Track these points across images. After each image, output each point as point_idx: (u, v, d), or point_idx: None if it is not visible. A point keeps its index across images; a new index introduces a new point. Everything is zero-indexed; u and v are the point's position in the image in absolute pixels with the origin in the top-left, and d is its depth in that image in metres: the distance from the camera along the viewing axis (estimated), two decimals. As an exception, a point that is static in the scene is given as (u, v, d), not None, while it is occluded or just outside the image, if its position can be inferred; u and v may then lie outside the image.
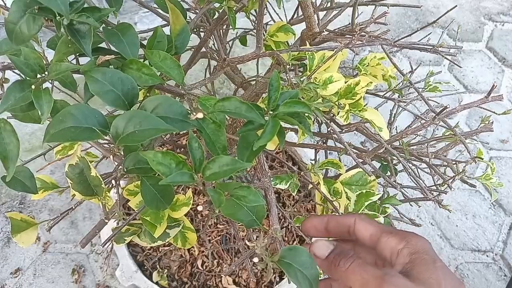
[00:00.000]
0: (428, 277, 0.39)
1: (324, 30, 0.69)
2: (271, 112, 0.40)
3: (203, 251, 1.21)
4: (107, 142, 0.78)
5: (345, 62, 1.81)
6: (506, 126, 1.77)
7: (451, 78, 1.89)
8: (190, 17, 0.67)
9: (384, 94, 0.85)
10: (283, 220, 1.22)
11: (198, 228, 1.15)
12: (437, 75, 0.91)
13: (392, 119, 0.90)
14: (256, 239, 0.42)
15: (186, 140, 0.38)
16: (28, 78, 0.39)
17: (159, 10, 0.70)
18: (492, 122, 0.67)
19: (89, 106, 0.37)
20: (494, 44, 2.00)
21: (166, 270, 1.19)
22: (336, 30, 0.72)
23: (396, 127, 0.92)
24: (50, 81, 0.41)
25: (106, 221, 0.57)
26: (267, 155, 1.03)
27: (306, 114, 0.43)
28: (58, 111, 0.37)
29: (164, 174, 0.35)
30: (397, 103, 0.84)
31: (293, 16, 0.84)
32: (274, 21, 0.79)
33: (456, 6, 0.73)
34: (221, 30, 0.83)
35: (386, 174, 0.75)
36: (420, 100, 0.72)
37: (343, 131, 0.72)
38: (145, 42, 0.52)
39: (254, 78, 0.74)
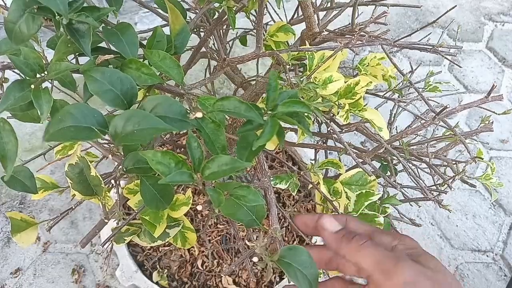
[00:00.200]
0: (434, 264, 0.40)
1: (324, 30, 0.69)
2: (270, 112, 0.39)
3: (203, 251, 1.21)
4: (107, 142, 0.78)
5: (345, 62, 1.81)
6: (506, 126, 1.77)
7: (451, 78, 1.89)
8: (190, 17, 0.67)
9: (384, 94, 0.85)
10: (283, 220, 1.22)
11: (198, 228, 1.15)
12: (437, 75, 0.91)
13: (392, 119, 0.90)
14: (256, 239, 0.42)
15: (186, 141, 0.38)
16: (27, 78, 0.39)
17: (159, 10, 0.70)
18: (492, 122, 0.67)
19: (88, 106, 0.37)
20: (494, 44, 2.00)
21: (166, 270, 1.19)
22: (336, 30, 0.72)
23: (396, 127, 0.92)
24: (49, 81, 0.41)
25: (106, 221, 0.57)
26: (267, 155, 1.03)
27: (306, 114, 0.43)
28: (58, 111, 0.37)
29: (163, 174, 0.35)
30: (397, 103, 0.84)
31: (293, 16, 0.84)
32: (274, 21, 0.79)
33: (456, 6, 0.73)
34: (221, 30, 0.83)
35: (386, 174, 0.75)
36: (420, 100, 0.72)
37: (343, 131, 0.72)
38: (145, 42, 0.52)
39: (254, 78, 0.74)
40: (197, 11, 0.70)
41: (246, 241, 0.74)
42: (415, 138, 0.84)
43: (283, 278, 1.14)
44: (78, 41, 0.39)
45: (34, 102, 0.37)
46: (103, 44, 0.49)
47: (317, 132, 0.88)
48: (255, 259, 0.43)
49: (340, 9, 0.75)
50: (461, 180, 0.72)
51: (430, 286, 0.38)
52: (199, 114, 0.40)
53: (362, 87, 0.59)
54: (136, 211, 0.62)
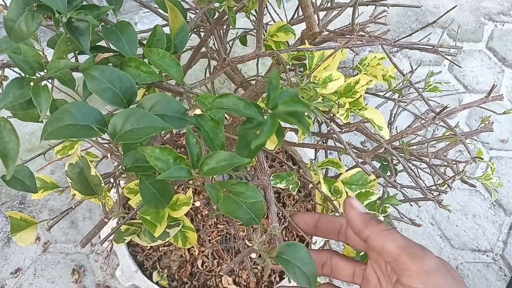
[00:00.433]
0: (448, 263, 0.42)
1: (324, 30, 0.69)
2: (270, 111, 0.39)
3: (203, 251, 1.21)
4: (106, 142, 0.78)
5: (345, 62, 1.81)
6: (506, 126, 1.77)
7: (451, 78, 1.89)
8: (190, 17, 0.67)
9: (384, 94, 0.85)
10: (283, 220, 1.22)
11: (198, 228, 1.15)
12: (437, 75, 0.91)
13: (392, 119, 0.90)
14: (254, 236, 0.42)
15: (185, 137, 0.38)
16: (27, 76, 0.39)
17: (160, 10, 0.70)
18: (492, 122, 0.67)
19: (87, 104, 0.37)
20: (494, 44, 2.00)
21: (166, 270, 1.19)
22: (336, 30, 0.72)
23: (396, 127, 0.92)
24: (49, 80, 0.42)
25: (106, 220, 0.57)
26: (267, 154, 1.03)
27: (306, 114, 0.43)
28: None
29: (162, 170, 0.35)
30: (397, 103, 0.84)
31: (293, 16, 0.84)
32: (274, 21, 0.79)
33: (456, 6, 0.73)
34: (221, 30, 0.83)
35: (386, 174, 0.75)
36: (420, 100, 0.72)
37: (343, 131, 0.72)
38: (144, 42, 0.52)
39: (254, 78, 0.74)
40: (197, 11, 0.70)
41: (246, 241, 0.74)
42: (415, 138, 0.84)
43: (283, 278, 1.14)
44: (77, 39, 0.40)
45: (33, 100, 0.37)
46: (102, 43, 0.49)
47: (317, 132, 0.88)
48: (253, 255, 0.43)
49: (340, 9, 0.75)
50: (461, 180, 0.72)
51: (450, 278, 0.39)
52: (198, 111, 0.40)
53: (362, 86, 0.59)
54: (136, 210, 0.62)
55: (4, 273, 1.38)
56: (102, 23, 0.48)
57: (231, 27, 0.61)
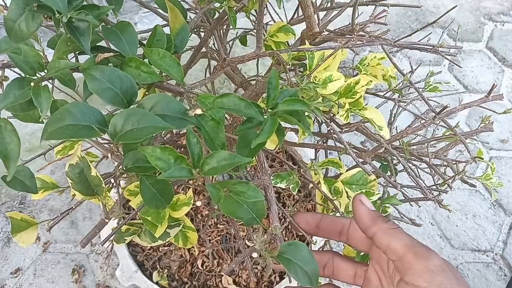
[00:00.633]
0: (451, 265, 0.42)
1: (324, 30, 0.69)
2: (270, 110, 0.39)
3: (203, 251, 1.21)
4: (107, 142, 0.78)
5: (345, 62, 1.81)
6: (506, 126, 1.77)
7: (451, 78, 1.89)
8: (190, 17, 0.67)
9: (384, 94, 0.85)
10: (283, 220, 1.22)
11: (198, 228, 1.15)
12: (437, 75, 0.91)
13: (392, 119, 0.90)
14: (255, 236, 0.42)
15: (186, 137, 0.38)
16: (27, 76, 0.39)
17: (160, 10, 0.70)
18: (492, 122, 0.67)
19: (88, 104, 0.37)
20: (494, 44, 2.00)
21: (166, 270, 1.19)
22: (336, 30, 0.72)
23: (396, 127, 0.92)
24: (50, 81, 0.42)
25: (106, 221, 0.57)
26: (267, 154, 1.03)
27: (306, 113, 0.43)
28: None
29: (163, 169, 0.35)
30: (397, 103, 0.84)
31: (293, 16, 0.84)
32: (274, 21, 0.79)
33: (456, 6, 0.73)
34: (221, 30, 0.83)
35: (386, 174, 0.75)
36: (420, 100, 0.72)
37: (343, 130, 0.72)
38: (144, 42, 0.52)
39: (254, 78, 0.74)
40: (197, 11, 0.70)
41: (246, 241, 0.74)
42: (415, 138, 0.84)
43: (283, 278, 1.14)
44: (77, 39, 0.40)
45: (34, 100, 0.37)
46: (102, 43, 0.49)
47: (317, 132, 0.88)
48: (254, 255, 0.43)
49: (340, 9, 0.75)
50: (461, 180, 0.72)
51: (454, 278, 0.39)
52: (198, 111, 0.40)
53: (362, 86, 0.59)
54: (137, 210, 0.61)
55: (4, 273, 1.38)
56: (102, 23, 0.48)
57: (231, 27, 0.60)
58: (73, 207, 0.63)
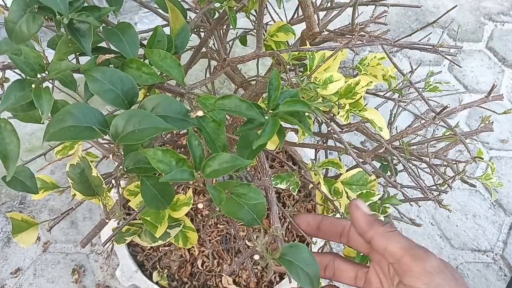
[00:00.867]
0: (450, 265, 0.43)
1: (324, 30, 0.69)
2: (271, 111, 0.39)
3: (203, 251, 1.21)
4: (107, 142, 0.78)
5: (345, 62, 1.81)
6: (506, 126, 1.77)
7: (451, 78, 1.89)
8: (190, 17, 0.67)
9: (384, 94, 0.85)
10: (283, 220, 1.22)
11: (198, 228, 1.15)
12: (437, 75, 0.91)
13: (392, 119, 0.90)
14: (256, 238, 0.42)
15: (187, 140, 0.38)
16: (28, 77, 0.39)
17: (160, 10, 0.70)
18: (492, 122, 0.67)
19: (89, 105, 0.37)
20: (494, 44, 2.00)
21: (166, 270, 1.19)
22: (336, 30, 0.72)
23: (396, 127, 0.92)
24: (50, 81, 0.41)
25: (107, 221, 0.57)
26: (267, 154, 1.03)
27: (306, 114, 0.43)
28: (58, 111, 0.37)
29: (164, 172, 0.35)
30: (397, 103, 0.84)
31: (293, 16, 0.84)
32: (274, 21, 0.79)
33: (456, 6, 0.73)
34: (221, 30, 0.83)
35: (386, 174, 0.75)
36: (420, 100, 0.72)
37: (343, 131, 0.72)
38: (145, 42, 0.52)
39: (254, 78, 0.74)
40: (197, 11, 0.70)
41: (246, 241, 0.74)
42: (415, 138, 0.84)
43: (283, 278, 1.14)
44: (79, 41, 0.40)
45: (35, 102, 0.37)
46: (103, 44, 0.49)
47: (317, 132, 0.88)
48: (256, 257, 0.43)
49: (340, 9, 0.75)
50: (461, 180, 0.72)
51: (452, 279, 0.40)
52: (200, 113, 0.40)
53: (363, 87, 0.59)
54: (137, 211, 0.62)
55: (4, 273, 1.38)
56: (103, 24, 0.48)
57: (231, 27, 0.60)
58: (74, 207, 0.63)
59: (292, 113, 0.41)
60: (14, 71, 0.42)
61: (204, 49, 0.79)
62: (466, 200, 1.60)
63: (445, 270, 0.40)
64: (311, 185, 0.71)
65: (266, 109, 0.41)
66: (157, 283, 1.15)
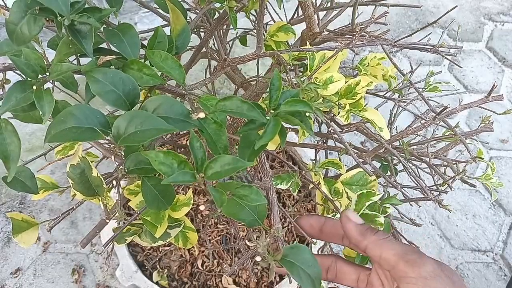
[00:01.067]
0: (448, 267, 0.42)
1: (324, 30, 0.69)
2: (272, 112, 0.39)
3: (203, 251, 1.21)
4: (107, 142, 0.78)
5: (345, 62, 1.81)
6: (506, 126, 1.77)
7: (451, 78, 1.89)
8: (190, 17, 0.67)
9: (384, 94, 0.85)
10: (283, 220, 1.22)
11: (198, 228, 1.15)
12: (437, 75, 0.91)
13: (392, 119, 0.90)
14: (256, 238, 0.42)
15: (187, 140, 0.38)
16: (29, 79, 0.39)
17: (160, 10, 0.70)
18: (492, 122, 0.67)
19: (90, 106, 0.37)
20: (494, 44, 2.00)
21: (166, 270, 1.19)
22: (336, 30, 0.72)
23: (396, 127, 0.92)
24: (51, 81, 0.42)
25: (107, 221, 0.57)
26: (267, 155, 1.03)
27: (307, 114, 0.43)
28: (59, 112, 0.37)
29: (166, 174, 0.35)
30: (397, 103, 0.84)
31: (293, 16, 0.84)
32: (274, 21, 0.79)
33: (456, 6, 0.73)
34: (221, 30, 0.83)
35: (387, 174, 0.75)
36: (420, 100, 0.72)
37: (344, 131, 0.72)
38: (145, 42, 0.52)
39: (254, 78, 0.74)
40: (198, 11, 0.70)
41: (247, 241, 0.74)
42: (415, 138, 0.84)
43: (283, 278, 1.14)
44: (80, 42, 0.40)
45: (36, 103, 0.37)
46: (104, 45, 0.49)
47: (317, 132, 0.88)
48: (258, 258, 0.43)
49: (340, 9, 0.75)
50: (461, 180, 0.72)
51: (449, 282, 0.40)
52: (201, 115, 0.40)
53: (363, 87, 0.59)
54: (137, 211, 0.62)
55: (4, 273, 1.38)
56: (104, 25, 0.48)
57: (231, 27, 0.60)
58: (74, 208, 0.63)
59: (294, 113, 0.41)
60: (15, 72, 0.42)
61: (204, 49, 0.79)
62: (466, 200, 1.60)
63: (441, 274, 0.40)
64: (311, 185, 0.71)
65: (267, 110, 0.41)
66: (157, 283, 1.15)
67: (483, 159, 0.71)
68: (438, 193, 0.76)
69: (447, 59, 0.67)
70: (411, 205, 1.13)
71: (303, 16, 0.65)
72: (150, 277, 1.16)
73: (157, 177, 0.45)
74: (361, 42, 0.61)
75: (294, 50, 0.60)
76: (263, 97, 0.74)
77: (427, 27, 0.72)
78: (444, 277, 0.40)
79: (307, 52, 0.59)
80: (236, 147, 0.47)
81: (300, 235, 1.18)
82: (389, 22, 1.43)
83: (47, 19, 0.39)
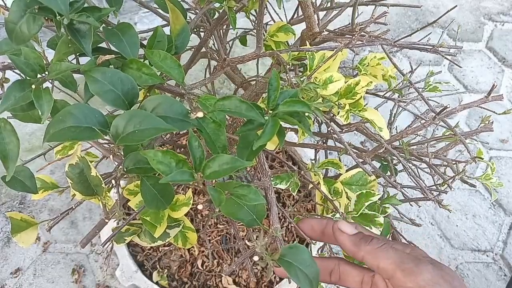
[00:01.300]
0: (450, 271, 0.41)
1: (324, 30, 0.69)
2: (271, 112, 0.39)
3: (203, 251, 1.21)
4: (106, 142, 0.78)
5: (345, 62, 1.81)
6: (506, 126, 1.77)
7: (451, 78, 1.89)
8: (190, 17, 0.67)
9: (384, 94, 0.85)
10: (283, 220, 1.22)
11: (198, 228, 1.15)
12: (437, 75, 0.91)
13: (392, 119, 0.90)
14: (256, 238, 0.42)
15: (186, 140, 0.39)
16: (28, 78, 0.39)
17: (159, 10, 0.70)
18: (492, 122, 0.67)
19: (89, 106, 0.37)
20: (494, 44, 2.00)
21: (166, 270, 1.19)
22: (336, 30, 0.72)
23: (396, 127, 0.92)
24: (50, 81, 0.41)
25: (106, 221, 0.57)
26: (267, 155, 1.03)
27: (306, 114, 0.43)
28: (58, 111, 0.37)
29: (164, 173, 0.35)
30: (397, 103, 0.84)
31: (293, 16, 0.84)
32: (274, 21, 0.79)
33: (456, 6, 0.73)
34: (221, 30, 0.83)
35: (386, 174, 0.75)
36: (420, 100, 0.72)
37: (343, 131, 0.72)
38: (145, 42, 0.52)
39: (254, 78, 0.74)
40: (197, 11, 0.70)
41: (246, 241, 0.74)
42: (415, 138, 0.84)
43: (283, 278, 1.14)
44: (79, 41, 0.39)
45: (35, 103, 0.37)
46: (103, 45, 0.49)
47: (317, 132, 0.88)
48: (255, 258, 0.43)
49: (340, 9, 0.75)
50: (461, 180, 0.72)
51: None
52: (200, 114, 0.40)
53: (363, 87, 0.59)
54: (136, 211, 0.62)
55: (4, 273, 1.38)
56: (103, 24, 0.48)
57: (231, 27, 0.60)
58: (73, 207, 0.63)
59: (292, 113, 0.41)
60: (14, 72, 0.42)
61: (204, 49, 0.79)
62: (466, 200, 1.60)
63: (440, 280, 0.39)
64: (311, 185, 0.71)
65: (266, 110, 0.41)
66: (157, 283, 1.15)
67: (483, 159, 0.71)
68: (438, 193, 0.76)
69: (447, 59, 0.67)
70: (411, 205, 1.13)
71: (303, 16, 0.65)
72: (150, 277, 1.16)
73: (156, 177, 0.45)
74: (361, 42, 0.61)
75: (294, 50, 0.60)
76: (262, 97, 0.74)
77: (427, 27, 0.72)
78: (444, 283, 0.39)
79: (307, 52, 0.59)
80: (235, 147, 0.47)
81: (299, 235, 1.18)
82: (389, 22, 1.43)
83: (47, 18, 0.39)
